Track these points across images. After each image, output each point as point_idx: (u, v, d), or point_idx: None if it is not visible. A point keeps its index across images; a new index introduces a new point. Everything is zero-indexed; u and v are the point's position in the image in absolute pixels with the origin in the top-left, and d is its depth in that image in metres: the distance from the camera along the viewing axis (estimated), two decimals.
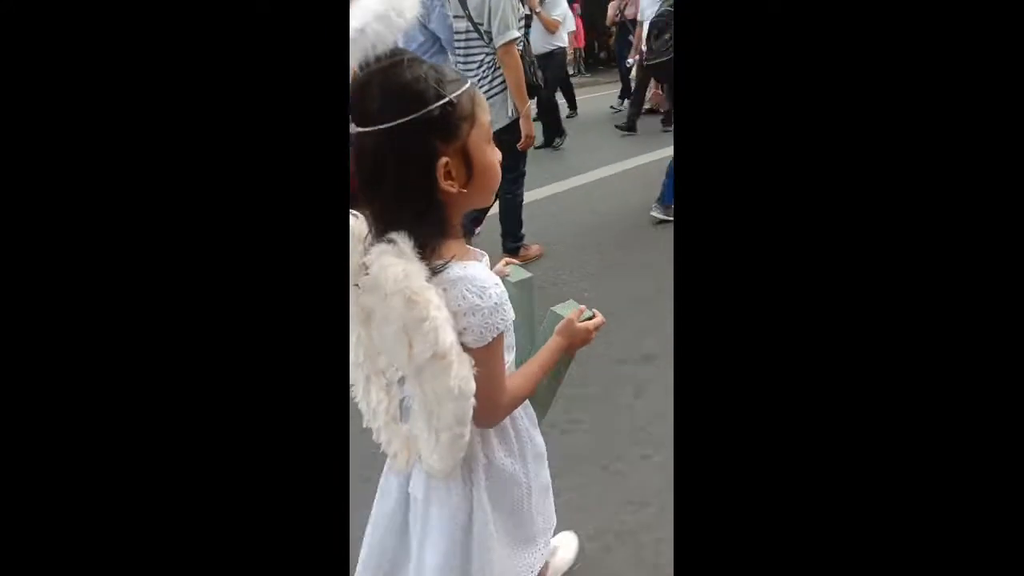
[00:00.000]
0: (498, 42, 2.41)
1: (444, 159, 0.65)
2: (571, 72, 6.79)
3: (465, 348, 0.67)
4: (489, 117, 0.70)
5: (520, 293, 0.89)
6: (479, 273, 0.69)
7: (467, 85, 0.67)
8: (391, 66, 0.62)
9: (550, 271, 2.83)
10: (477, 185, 0.69)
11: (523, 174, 2.80)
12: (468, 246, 0.75)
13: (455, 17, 2.57)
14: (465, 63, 2.60)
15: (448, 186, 0.66)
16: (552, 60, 5.39)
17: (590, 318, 0.88)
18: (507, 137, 2.62)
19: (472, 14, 2.45)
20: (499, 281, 0.71)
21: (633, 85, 6.05)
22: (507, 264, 0.96)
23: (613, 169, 4.49)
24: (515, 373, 0.80)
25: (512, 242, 2.91)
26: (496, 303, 0.68)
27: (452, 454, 0.69)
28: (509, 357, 0.79)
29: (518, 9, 2.47)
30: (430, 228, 0.67)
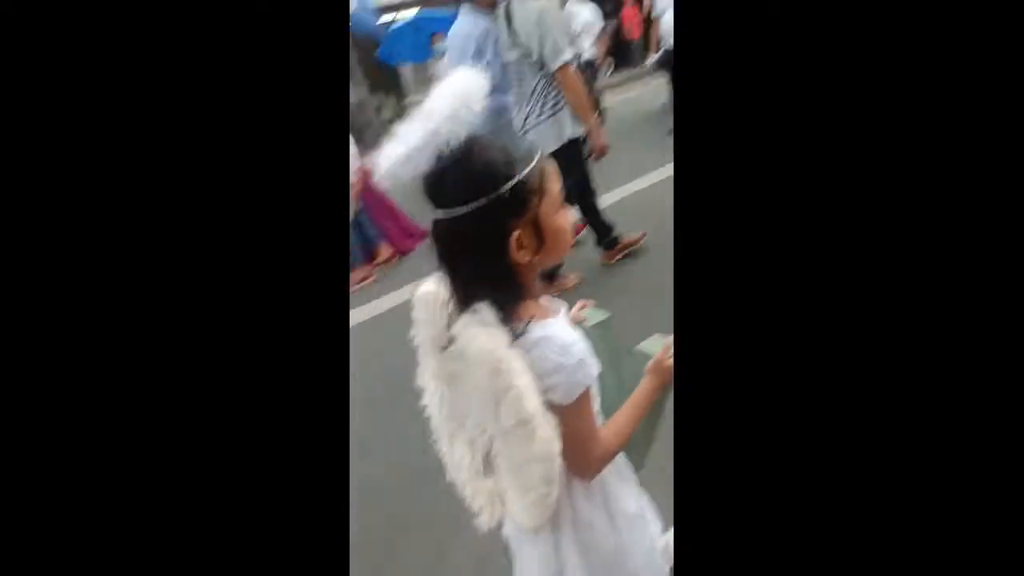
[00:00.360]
0: (553, 66, 2.46)
1: (516, 232, 0.69)
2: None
3: (553, 406, 0.69)
4: (558, 187, 0.74)
5: (600, 335, 0.89)
6: (559, 331, 0.72)
7: (536, 160, 0.71)
8: (465, 153, 0.67)
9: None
10: (549, 249, 0.73)
11: (593, 191, 2.83)
12: (546, 301, 0.78)
13: (507, 50, 2.64)
14: (519, 91, 2.67)
15: (521, 256, 0.70)
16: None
17: None
18: (563, 155, 2.64)
19: (523, 43, 2.51)
20: (579, 337, 0.73)
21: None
22: (582, 308, 0.97)
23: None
24: (607, 423, 0.80)
25: (606, 237, 2.94)
26: (579, 359, 0.71)
27: (540, 511, 0.71)
28: (595, 405, 0.80)
29: (569, 31, 2.50)
30: (508, 294, 0.71)
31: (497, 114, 2.84)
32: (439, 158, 0.67)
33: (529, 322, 0.71)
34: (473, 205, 0.67)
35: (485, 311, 0.68)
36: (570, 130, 2.59)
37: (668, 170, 3.93)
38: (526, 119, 2.65)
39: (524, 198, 0.69)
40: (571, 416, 0.70)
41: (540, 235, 0.72)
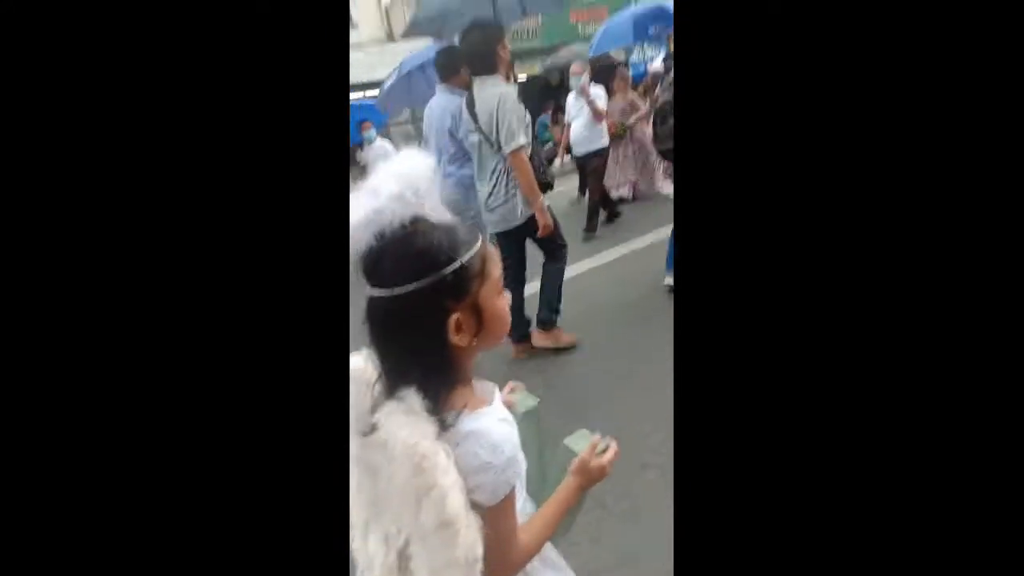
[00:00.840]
0: (506, 150, 2.58)
1: (455, 315, 0.68)
2: None
3: (475, 505, 0.66)
4: (500, 269, 0.74)
5: (527, 424, 0.87)
6: (491, 426, 0.70)
7: (478, 245, 0.71)
8: (407, 235, 0.67)
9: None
10: (488, 333, 0.73)
11: (563, 246, 2.91)
12: (480, 386, 0.77)
13: (469, 132, 2.77)
14: (480, 171, 2.78)
15: (459, 340, 0.69)
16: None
17: (606, 449, 0.83)
18: (526, 232, 2.76)
19: (483, 127, 2.64)
20: (510, 432, 0.71)
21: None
22: (512, 391, 0.95)
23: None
24: (528, 523, 0.77)
25: (548, 313, 2.97)
26: (508, 458, 0.68)
27: None
28: (520, 495, 0.77)
29: (524, 118, 2.65)
30: (440, 379, 0.69)
31: (466, 186, 2.94)
32: (380, 236, 0.66)
33: (460, 412, 0.69)
34: (413, 286, 0.66)
35: (412, 398, 0.65)
36: (526, 209, 2.70)
37: (584, 266, 4.12)
38: (489, 197, 2.75)
39: (465, 282, 0.69)
40: (494, 517, 0.67)
41: (479, 319, 0.71)
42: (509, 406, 0.89)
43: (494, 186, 2.72)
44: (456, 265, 0.67)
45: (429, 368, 0.68)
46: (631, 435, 2.02)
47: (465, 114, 2.75)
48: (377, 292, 0.68)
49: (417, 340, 0.68)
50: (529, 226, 2.75)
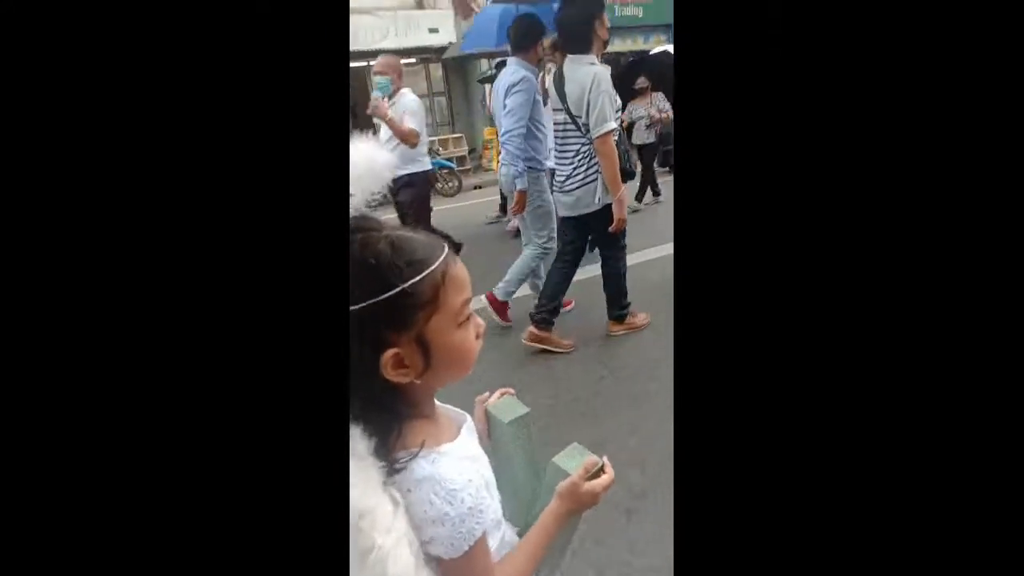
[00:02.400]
0: (595, 133, 2.49)
1: (392, 351, 0.57)
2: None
3: (433, 558, 0.58)
4: (465, 295, 0.61)
5: (516, 433, 0.75)
6: (448, 470, 0.59)
7: (434, 266, 0.58)
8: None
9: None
10: (439, 370, 0.60)
11: (623, 247, 2.82)
12: (445, 414, 0.67)
13: (554, 110, 2.68)
14: (561, 152, 2.70)
15: (397, 376, 0.58)
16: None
17: (600, 471, 0.70)
18: (596, 220, 2.68)
19: (571, 108, 2.55)
20: (473, 475, 0.61)
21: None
22: (503, 395, 0.81)
23: None
24: (507, 557, 0.67)
25: (618, 310, 2.91)
26: (470, 508, 0.58)
27: None
28: (493, 542, 0.67)
29: (615, 101, 2.55)
30: (388, 417, 0.59)
31: (530, 167, 2.88)
32: None
33: (415, 452, 0.59)
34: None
35: (356, 439, 0.54)
36: (604, 196, 2.61)
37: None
38: (567, 179, 2.68)
39: (407, 310, 0.57)
40: (458, 571, 0.59)
41: (426, 354, 0.59)
42: (492, 416, 0.78)
43: (574, 168, 2.65)
44: (393, 292, 0.55)
45: (371, 404, 0.57)
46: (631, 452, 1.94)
47: (552, 91, 2.66)
48: None
49: (355, 372, 0.53)
50: (599, 216, 2.66)
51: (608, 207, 2.63)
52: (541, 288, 2.92)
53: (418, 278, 0.56)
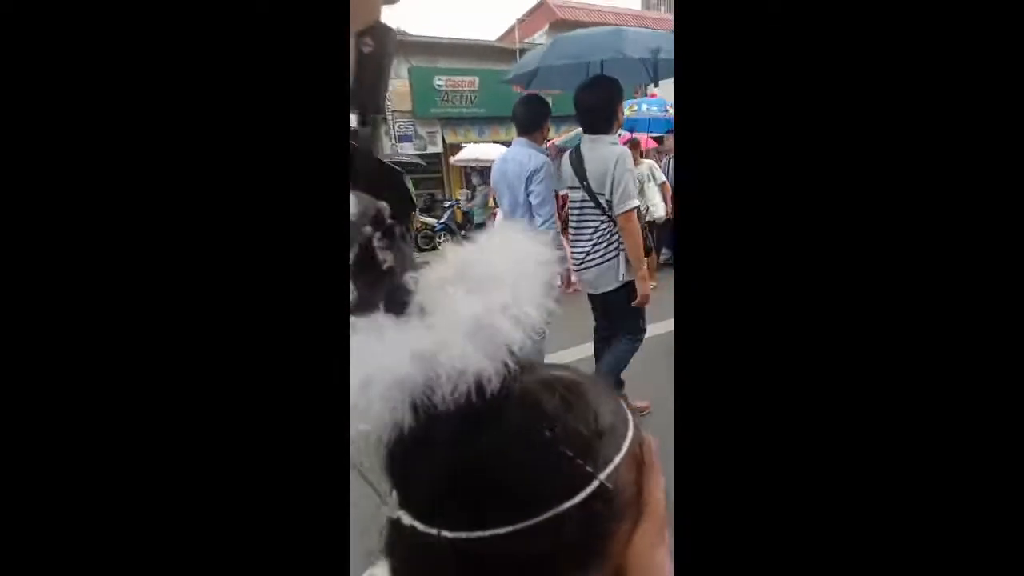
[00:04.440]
0: (620, 210, 2.45)
1: None
2: None
3: None
4: (662, 488, 0.39)
5: None
6: None
7: (630, 433, 0.37)
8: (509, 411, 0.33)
9: None
10: None
11: (644, 329, 2.73)
12: None
13: (570, 188, 2.64)
14: (577, 231, 2.64)
15: None
16: None
17: None
18: (617, 298, 2.61)
19: (592, 185, 2.51)
20: None
21: None
22: None
23: None
24: None
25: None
26: None
27: None
28: None
29: (636, 180, 2.55)
30: None
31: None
32: (410, 423, 0.33)
33: None
34: (519, 526, 0.31)
35: None
36: (627, 273, 2.55)
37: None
38: (586, 256, 2.60)
39: (610, 515, 0.35)
40: None
41: None
42: None
43: (593, 246, 2.58)
44: (588, 491, 0.32)
45: None
46: None
47: (568, 170, 2.62)
48: (445, 533, 0.32)
49: None
50: (621, 293, 2.60)
51: (629, 284, 2.57)
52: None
53: (618, 459, 0.34)
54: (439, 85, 12.60)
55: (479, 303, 0.33)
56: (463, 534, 0.31)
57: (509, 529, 0.31)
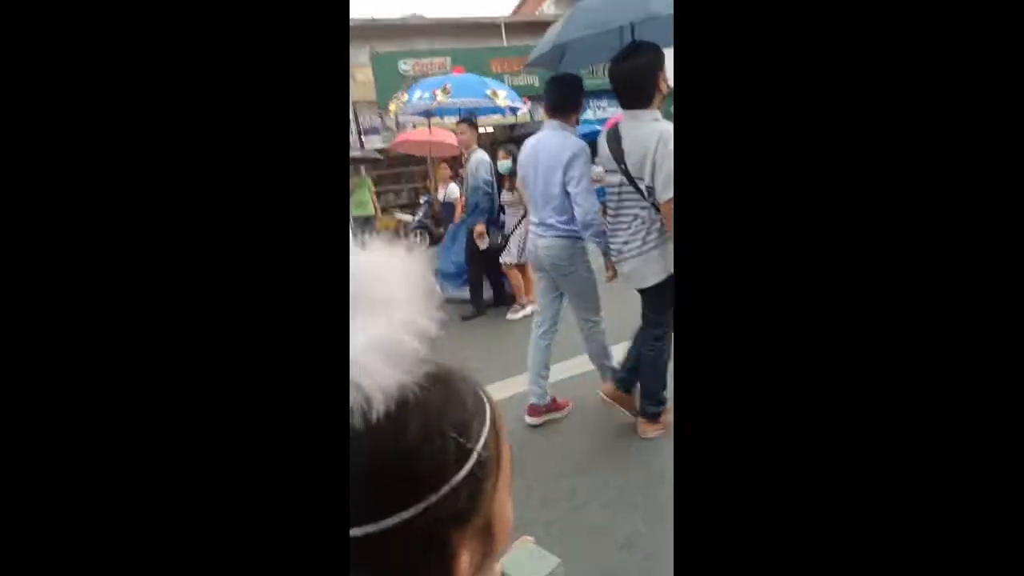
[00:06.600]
0: (663, 197, 2.19)
1: (462, 557, 0.41)
2: None
3: None
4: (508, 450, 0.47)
5: None
6: None
7: (488, 411, 0.44)
8: (391, 423, 0.38)
9: None
10: (495, 549, 0.46)
11: (670, 328, 2.48)
12: None
13: (607, 171, 2.36)
14: (616, 218, 2.37)
15: None
16: None
17: None
18: (657, 294, 2.36)
19: (631, 169, 2.24)
20: None
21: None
22: (520, 544, 0.65)
23: None
24: None
25: (653, 406, 2.53)
26: None
27: None
28: None
29: None
30: None
31: (572, 243, 2.53)
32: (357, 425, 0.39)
33: None
34: (405, 515, 0.38)
35: None
36: (670, 267, 2.30)
37: None
38: (624, 246, 2.34)
39: (479, 486, 0.42)
40: None
41: (490, 536, 0.44)
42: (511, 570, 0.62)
43: (632, 234, 2.32)
44: (469, 465, 0.40)
45: None
46: None
47: (605, 151, 2.34)
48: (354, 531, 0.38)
49: None
50: (662, 289, 2.34)
51: (670, 278, 2.32)
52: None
53: (486, 431, 0.42)
54: (404, 70, 11.98)
55: (383, 323, 0.39)
56: (372, 527, 0.38)
57: (412, 512, 0.38)
